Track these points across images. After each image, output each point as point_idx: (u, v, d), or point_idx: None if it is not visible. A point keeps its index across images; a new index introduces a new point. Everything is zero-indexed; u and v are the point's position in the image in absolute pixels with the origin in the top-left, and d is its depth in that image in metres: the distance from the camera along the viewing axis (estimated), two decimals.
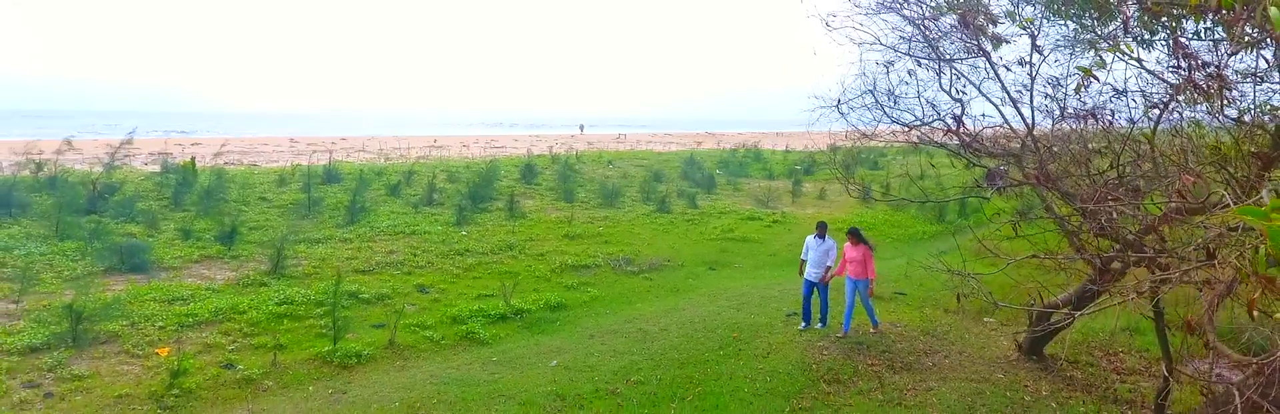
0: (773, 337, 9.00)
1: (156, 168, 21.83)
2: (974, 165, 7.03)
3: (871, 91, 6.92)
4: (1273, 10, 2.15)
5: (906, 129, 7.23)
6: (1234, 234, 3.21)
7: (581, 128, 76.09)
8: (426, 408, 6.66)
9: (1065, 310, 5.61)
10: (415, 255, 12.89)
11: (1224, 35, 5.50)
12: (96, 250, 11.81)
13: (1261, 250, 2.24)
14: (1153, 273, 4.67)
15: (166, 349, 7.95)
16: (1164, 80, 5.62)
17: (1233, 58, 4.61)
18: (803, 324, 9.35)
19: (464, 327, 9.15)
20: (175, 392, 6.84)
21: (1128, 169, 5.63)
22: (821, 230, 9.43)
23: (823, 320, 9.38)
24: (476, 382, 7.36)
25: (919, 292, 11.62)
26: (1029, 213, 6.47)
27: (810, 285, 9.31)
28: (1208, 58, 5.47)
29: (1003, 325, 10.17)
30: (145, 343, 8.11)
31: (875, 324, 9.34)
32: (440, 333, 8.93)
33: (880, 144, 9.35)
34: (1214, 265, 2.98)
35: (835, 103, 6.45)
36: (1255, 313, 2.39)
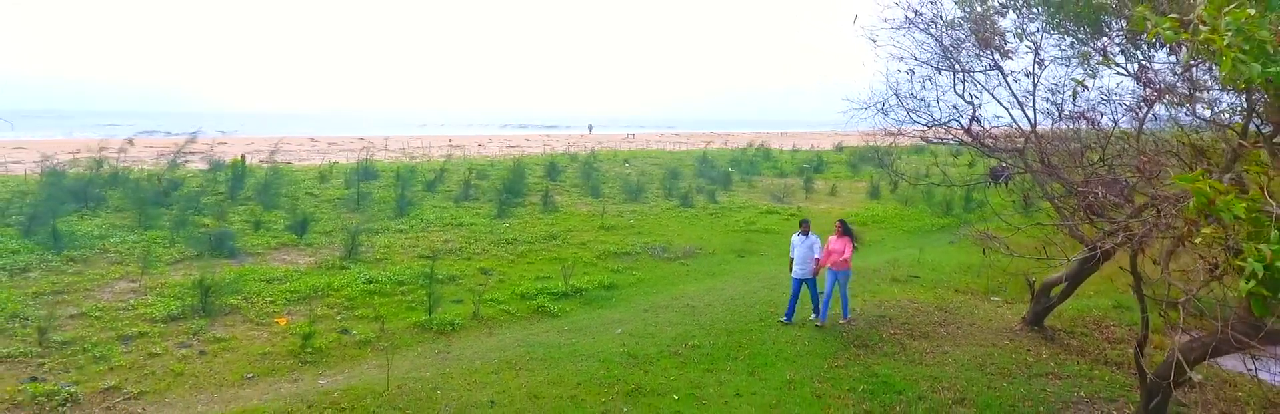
0: (805, 311, 10.20)
1: (200, 165, 23.05)
2: (988, 156, 8.25)
3: (897, 95, 8.14)
4: (1183, 52, 3.38)
5: (927, 128, 8.45)
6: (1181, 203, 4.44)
7: (590, 128, 77.32)
8: (522, 363, 7.87)
9: (1069, 258, 6.80)
10: (470, 244, 14.11)
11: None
12: (185, 238, 13.04)
13: (1191, 204, 3.47)
14: (1131, 242, 5.90)
15: (284, 318, 9.17)
16: (1149, 86, 6.86)
17: (1191, 71, 5.84)
18: (784, 318, 9.59)
19: (534, 302, 10.38)
20: (309, 350, 8.06)
21: (1115, 160, 6.86)
22: (805, 228, 9.71)
23: (818, 312, 9.69)
24: (557, 345, 8.58)
25: (932, 275, 12.85)
26: (1030, 195, 7.67)
27: (799, 282, 9.65)
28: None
29: (1007, 303, 11.39)
30: (263, 314, 9.33)
31: (845, 315, 9.76)
32: (514, 307, 10.16)
33: (891, 144, 10.55)
34: (1162, 219, 4.19)
35: (878, 105, 7.69)
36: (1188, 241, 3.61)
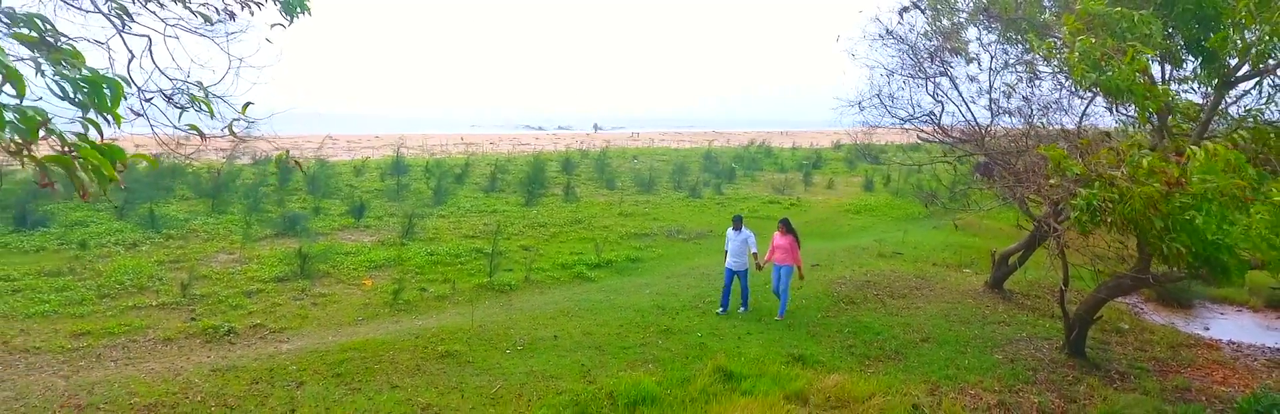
0: (735, 302, 11.96)
1: (243, 160, 24.89)
2: (946, 144, 10.10)
3: (878, 96, 10.01)
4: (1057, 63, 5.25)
5: (903, 123, 10.32)
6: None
7: (595, 127, 79.32)
8: (573, 312, 9.72)
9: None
10: (507, 226, 15.97)
11: None
12: (259, 220, 14.90)
13: (1048, 165, 5.33)
14: (1056, 204, 7.75)
15: (370, 280, 11.03)
16: (1082, 93, 8.71)
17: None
18: (720, 310, 9.96)
19: (573, 270, 12.24)
20: (400, 301, 9.92)
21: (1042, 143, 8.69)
22: (737, 223, 9.96)
23: (744, 305, 10.07)
24: (599, 300, 10.42)
25: (914, 252, 14.71)
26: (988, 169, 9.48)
27: (732, 274, 9.90)
28: None
29: (976, 274, 13.24)
30: (351, 277, 11.19)
31: (781, 313, 9.97)
32: (557, 274, 12.02)
33: (879, 141, 12.37)
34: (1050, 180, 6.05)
35: (857, 103, 9.56)
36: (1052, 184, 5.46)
